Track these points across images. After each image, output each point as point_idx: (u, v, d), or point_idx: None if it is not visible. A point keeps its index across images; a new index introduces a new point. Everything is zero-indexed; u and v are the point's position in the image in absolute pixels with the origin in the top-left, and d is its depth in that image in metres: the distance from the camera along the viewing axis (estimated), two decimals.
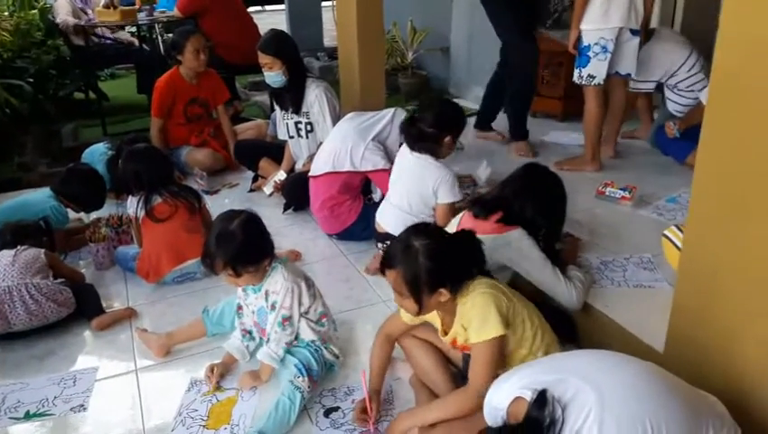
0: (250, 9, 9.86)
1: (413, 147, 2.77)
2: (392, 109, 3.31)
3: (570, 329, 2.34)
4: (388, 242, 2.81)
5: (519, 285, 2.36)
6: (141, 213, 2.86)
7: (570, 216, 2.43)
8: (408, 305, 1.81)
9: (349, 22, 3.79)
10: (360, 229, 3.11)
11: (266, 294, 2.16)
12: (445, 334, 1.91)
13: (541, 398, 1.33)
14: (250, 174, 4.03)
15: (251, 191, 3.91)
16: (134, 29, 6.03)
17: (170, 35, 5.86)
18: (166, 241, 2.83)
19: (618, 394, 1.33)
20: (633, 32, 3.46)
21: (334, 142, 3.18)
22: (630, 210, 3.18)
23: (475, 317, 1.77)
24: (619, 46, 3.46)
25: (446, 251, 1.79)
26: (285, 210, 3.58)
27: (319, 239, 3.29)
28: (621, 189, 3.27)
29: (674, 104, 3.83)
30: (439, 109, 2.82)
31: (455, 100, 5.24)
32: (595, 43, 3.44)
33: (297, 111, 3.58)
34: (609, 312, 2.30)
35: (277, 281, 2.13)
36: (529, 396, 1.36)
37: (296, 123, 3.62)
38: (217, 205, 3.65)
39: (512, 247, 2.22)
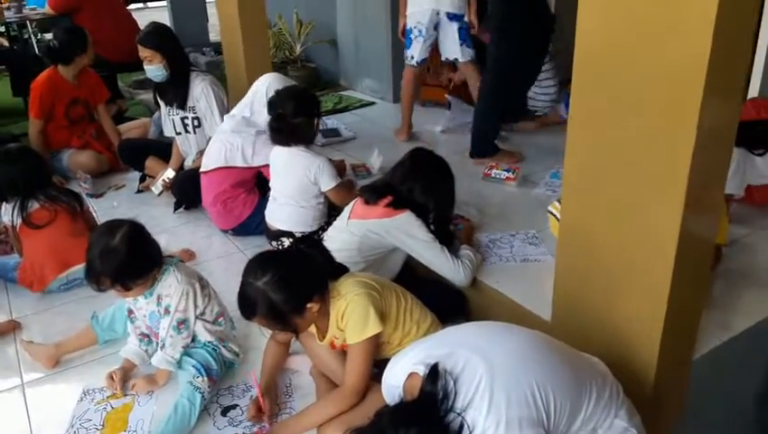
0: (131, 7, 9.48)
1: (287, 143, 2.81)
2: (262, 81, 3.24)
3: (462, 305, 2.47)
4: (282, 239, 2.87)
5: (413, 265, 2.48)
6: (18, 221, 2.71)
7: (460, 199, 2.55)
8: (285, 335, 1.90)
9: (231, 15, 3.75)
10: (256, 223, 3.09)
11: (159, 298, 2.11)
12: (323, 337, 1.96)
13: (434, 372, 1.39)
14: (137, 174, 3.89)
15: (139, 191, 3.78)
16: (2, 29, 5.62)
17: (45, 34, 5.53)
18: (48, 248, 2.70)
19: (506, 362, 1.42)
20: (451, 16, 3.75)
21: (225, 135, 3.14)
22: (516, 189, 3.35)
23: (353, 319, 1.82)
24: (441, 30, 3.80)
25: (291, 274, 1.80)
26: (176, 208, 3.50)
27: (214, 236, 3.25)
28: (505, 170, 3.44)
29: (533, 101, 4.16)
30: (296, 97, 2.85)
31: (348, 91, 5.36)
32: (414, 27, 3.82)
33: (183, 106, 3.51)
34: (499, 287, 2.43)
35: (170, 285, 2.09)
36: (422, 371, 1.42)
37: (183, 119, 3.54)
38: (103, 209, 3.55)
39: (402, 229, 2.31)
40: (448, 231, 2.46)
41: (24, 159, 2.81)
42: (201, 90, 3.47)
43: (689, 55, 1.43)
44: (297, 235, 2.85)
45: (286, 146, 2.82)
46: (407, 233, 2.31)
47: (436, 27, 3.84)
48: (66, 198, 2.80)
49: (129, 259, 1.96)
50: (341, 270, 1.97)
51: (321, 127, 4.20)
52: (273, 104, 2.83)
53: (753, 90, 3.38)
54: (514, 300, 2.35)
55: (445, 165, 2.43)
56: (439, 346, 1.50)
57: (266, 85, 3.14)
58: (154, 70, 3.39)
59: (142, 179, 3.83)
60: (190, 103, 3.50)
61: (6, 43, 5.62)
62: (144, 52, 3.36)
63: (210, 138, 3.35)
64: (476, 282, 2.47)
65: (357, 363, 1.84)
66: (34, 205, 2.71)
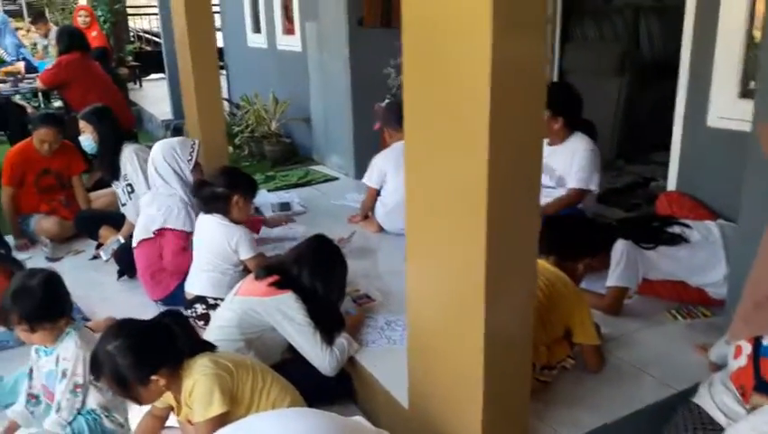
0: (154, 76, 10.09)
1: (206, 209, 3.01)
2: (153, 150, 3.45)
3: (348, 386, 2.55)
4: (196, 306, 3.02)
5: None
6: None
7: (376, 276, 2.59)
8: (162, 410, 1.96)
9: (189, 91, 4.18)
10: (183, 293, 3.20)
11: (57, 359, 2.22)
12: (179, 412, 2.03)
13: None
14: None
15: (93, 258, 3.99)
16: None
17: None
18: None
19: None
20: None
21: (145, 209, 3.35)
22: None
23: (197, 398, 1.89)
24: None
25: (142, 343, 1.88)
26: (119, 276, 3.68)
27: (148, 305, 3.35)
28: None
29: None
30: (228, 172, 3.11)
31: (319, 166, 5.61)
32: None
33: (116, 176, 3.85)
34: (374, 371, 2.49)
35: (69, 348, 2.21)
36: None
37: (122, 189, 3.86)
38: (60, 270, 3.60)
39: (279, 309, 2.41)
40: (333, 318, 2.54)
41: None
42: (126, 157, 3.82)
43: None
44: (210, 301, 2.97)
45: (206, 212, 3.02)
46: (283, 314, 2.41)
47: None
48: (6, 263, 3.02)
49: (41, 301, 2.12)
50: (202, 347, 2.04)
51: (276, 200, 4.48)
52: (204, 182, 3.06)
53: (671, 184, 3.47)
54: (384, 386, 2.39)
55: (338, 255, 2.58)
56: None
57: (153, 155, 3.40)
58: (85, 140, 3.86)
59: (97, 246, 4.06)
60: (122, 172, 3.83)
61: (30, 110, 6.07)
62: (81, 124, 3.86)
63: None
64: (356, 364, 2.55)
65: None
66: None
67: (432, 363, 1.97)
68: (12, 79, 5.62)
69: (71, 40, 5.35)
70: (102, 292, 3.52)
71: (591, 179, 3.42)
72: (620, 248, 2.75)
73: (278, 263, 2.58)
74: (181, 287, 3.24)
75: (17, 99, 6.22)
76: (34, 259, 3.88)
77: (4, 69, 6.04)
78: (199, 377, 1.91)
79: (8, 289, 2.16)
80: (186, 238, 3.27)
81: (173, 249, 3.24)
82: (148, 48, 12.28)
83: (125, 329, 1.93)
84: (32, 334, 2.16)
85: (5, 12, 9.98)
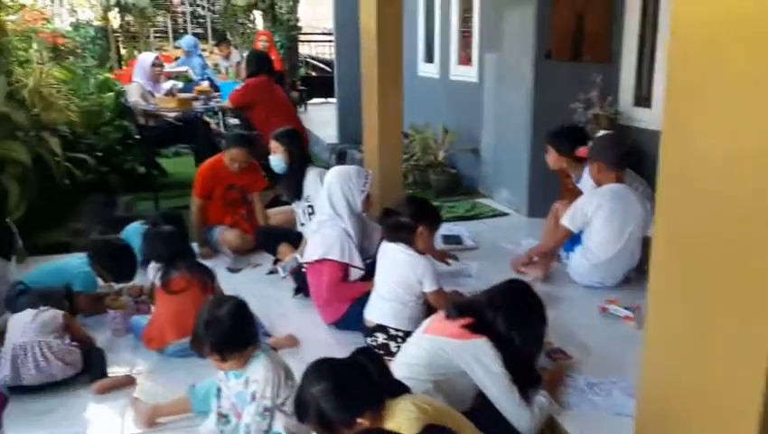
0: (315, 100, 10.62)
1: (390, 238, 2.96)
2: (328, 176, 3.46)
3: None
4: (377, 335, 2.98)
5: None
6: (158, 283, 3.09)
7: (568, 330, 2.40)
8: None
9: (372, 121, 4.18)
10: (355, 319, 3.18)
11: (247, 381, 2.27)
12: None
13: None
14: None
15: (270, 272, 4.14)
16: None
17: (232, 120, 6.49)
18: (174, 313, 3.01)
19: None
20: None
21: (315, 235, 3.37)
22: (632, 331, 3.13)
23: None
24: None
25: (346, 386, 1.84)
26: (294, 294, 3.76)
27: (320, 326, 3.39)
28: (625, 308, 3.26)
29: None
30: (414, 202, 3.06)
31: (485, 199, 5.50)
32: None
33: (299, 197, 3.93)
34: None
35: (258, 370, 2.25)
36: None
37: (303, 210, 3.93)
38: (239, 282, 3.91)
39: (473, 355, 2.27)
40: (528, 372, 2.38)
41: (170, 239, 3.26)
42: (310, 180, 3.92)
43: None
44: (391, 331, 2.93)
45: (390, 240, 2.98)
46: (477, 360, 2.27)
47: None
48: (201, 272, 3.17)
49: (230, 332, 2.18)
50: (399, 389, 1.98)
51: (444, 232, 4.40)
52: (389, 211, 3.02)
53: None
54: None
55: (540, 306, 2.38)
56: None
57: (328, 180, 3.42)
58: (275, 159, 4.00)
59: (275, 262, 4.20)
60: (305, 193, 3.92)
61: (220, 128, 6.58)
62: (272, 144, 4.01)
63: None
64: (557, 427, 2.34)
65: None
66: (174, 273, 3.09)
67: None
68: (203, 97, 6.10)
69: (260, 64, 5.69)
70: (279, 308, 3.61)
71: None
72: None
73: (471, 304, 2.44)
74: (352, 311, 3.24)
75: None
76: (216, 269, 4.08)
77: (197, 88, 6.57)
78: (402, 421, 1.84)
79: (200, 316, 2.24)
80: (345, 269, 3.27)
81: (330, 280, 3.25)
82: (313, 73, 12.96)
83: (326, 371, 1.90)
84: (224, 362, 2.22)
85: (193, 34, 10.94)
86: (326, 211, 3.36)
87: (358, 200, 3.35)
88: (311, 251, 3.34)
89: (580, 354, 2.84)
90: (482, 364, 2.27)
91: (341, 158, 7.13)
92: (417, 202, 3.10)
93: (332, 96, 10.87)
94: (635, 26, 4.59)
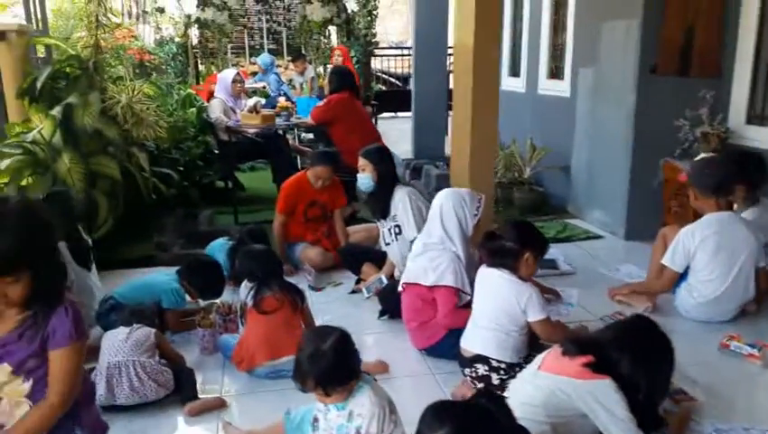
0: (384, 115, 10.59)
1: (492, 263, 2.79)
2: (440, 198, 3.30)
3: None
4: (477, 366, 2.80)
5: None
6: (250, 302, 3.03)
7: (685, 370, 2.21)
8: None
9: (462, 133, 3.97)
10: (450, 346, 3.04)
11: (350, 414, 2.15)
12: None
13: None
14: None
15: (352, 292, 4.04)
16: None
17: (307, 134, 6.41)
18: (265, 334, 2.95)
19: None
20: None
21: (420, 258, 3.22)
22: (758, 370, 2.87)
23: None
24: None
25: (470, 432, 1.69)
26: (380, 316, 3.65)
27: (409, 351, 3.27)
28: (748, 345, 2.98)
29: None
30: (521, 226, 2.87)
31: (575, 220, 5.23)
32: None
33: (385, 216, 3.81)
34: None
35: (363, 404, 2.13)
36: None
37: (389, 229, 3.81)
38: (320, 301, 3.85)
39: (596, 397, 2.09)
40: (653, 415, 2.17)
41: (264, 258, 3.20)
42: (398, 198, 3.77)
43: None
44: (493, 362, 2.75)
45: (491, 265, 2.81)
46: (600, 404, 2.08)
47: None
48: (292, 292, 3.09)
49: (334, 367, 2.07)
50: (518, 433, 1.83)
51: None
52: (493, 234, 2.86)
53: None
54: None
55: (669, 348, 2.17)
56: None
57: (441, 202, 3.25)
58: (364, 178, 3.85)
59: (357, 281, 4.10)
60: (392, 212, 3.79)
61: (304, 149, 6.61)
62: (361, 162, 3.87)
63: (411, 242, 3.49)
64: None
65: None
66: (266, 293, 3.02)
67: None
68: (285, 114, 6.12)
69: (342, 80, 5.60)
70: (364, 330, 3.50)
71: None
72: None
73: (592, 341, 2.25)
74: (447, 339, 3.10)
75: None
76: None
77: (279, 104, 6.61)
78: None
79: (303, 349, 2.13)
80: (458, 294, 3.12)
81: (449, 306, 3.09)
82: (383, 87, 12.95)
83: (449, 415, 1.73)
84: (327, 397, 2.12)
85: (268, 50, 11.09)
86: (437, 234, 3.21)
87: (470, 223, 3.22)
88: (415, 274, 3.20)
89: (704, 396, 2.59)
90: (605, 408, 2.08)
91: (416, 173, 7.00)
92: (523, 227, 2.92)
93: (401, 110, 10.83)
94: (751, 40, 4.31)
